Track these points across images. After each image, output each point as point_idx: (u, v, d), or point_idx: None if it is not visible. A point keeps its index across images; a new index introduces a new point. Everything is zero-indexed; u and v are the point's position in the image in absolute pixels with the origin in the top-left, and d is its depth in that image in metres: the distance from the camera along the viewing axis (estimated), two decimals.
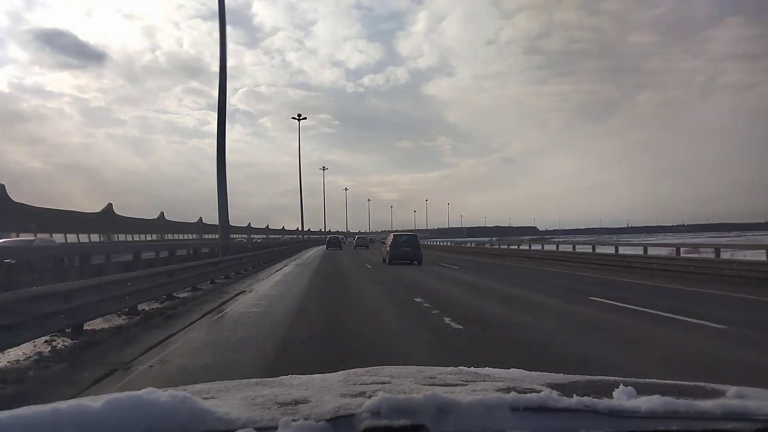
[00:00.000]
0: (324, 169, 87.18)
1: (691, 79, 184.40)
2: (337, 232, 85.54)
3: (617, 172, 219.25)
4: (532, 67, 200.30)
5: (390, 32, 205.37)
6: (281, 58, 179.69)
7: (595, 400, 1.04)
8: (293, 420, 0.90)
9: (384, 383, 1.31)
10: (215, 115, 20.74)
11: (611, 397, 1.12)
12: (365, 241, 59.11)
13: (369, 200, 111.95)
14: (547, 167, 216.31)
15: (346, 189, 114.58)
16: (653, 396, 1.06)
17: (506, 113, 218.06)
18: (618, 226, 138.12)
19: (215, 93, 20.85)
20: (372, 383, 1.32)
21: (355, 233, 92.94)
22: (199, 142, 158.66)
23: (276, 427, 0.89)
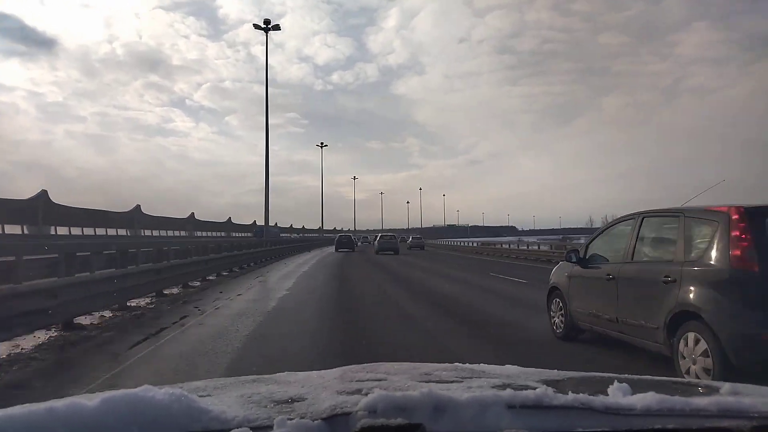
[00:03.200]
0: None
1: (658, 82, 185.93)
2: (300, 229, 73.44)
3: (587, 172, 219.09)
4: (502, 67, 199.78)
5: (360, 27, 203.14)
6: (246, 51, 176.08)
7: (590, 397, 1.05)
8: (289, 419, 0.90)
9: (380, 380, 1.31)
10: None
11: (606, 393, 1.12)
12: (393, 243, 37.63)
13: (355, 178, 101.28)
14: (519, 168, 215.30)
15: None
16: (648, 393, 1.06)
17: (476, 114, 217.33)
18: (597, 226, 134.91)
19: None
20: (368, 380, 1.32)
21: (330, 231, 78.38)
22: (163, 140, 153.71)
23: (272, 426, 0.89)
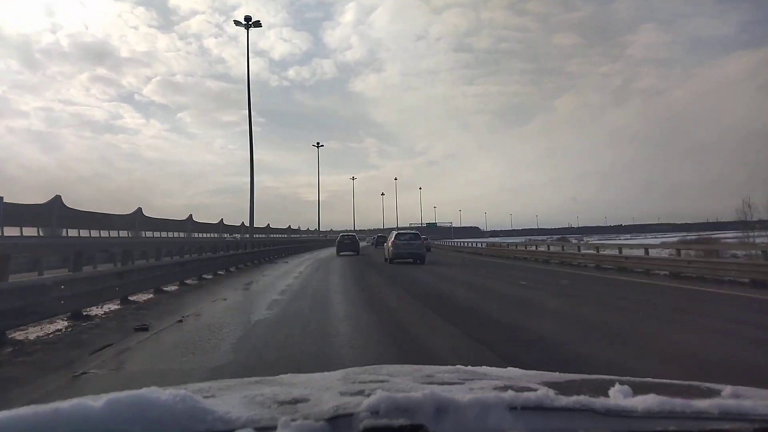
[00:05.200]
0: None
1: (608, 83, 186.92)
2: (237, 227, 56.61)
3: (546, 173, 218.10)
4: (459, 66, 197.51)
5: (317, 21, 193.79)
6: (198, 44, 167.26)
7: (592, 399, 1.05)
8: (293, 419, 0.91)
9: (382, 382, 1.32)
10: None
11: (608, 396, 1.13)
12: (416, 246, 25.17)
13: (319, 144, 71.06)
14: (479, 168, 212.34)
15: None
16: (649, 395, 1.07)
17: (433, 113, 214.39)
18: (561, 226, 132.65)
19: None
20: (371, 382, 1.32)
21: (284, 230, 61.03)
22: (112, 137, 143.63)
23: (275, 427, 0.90)
